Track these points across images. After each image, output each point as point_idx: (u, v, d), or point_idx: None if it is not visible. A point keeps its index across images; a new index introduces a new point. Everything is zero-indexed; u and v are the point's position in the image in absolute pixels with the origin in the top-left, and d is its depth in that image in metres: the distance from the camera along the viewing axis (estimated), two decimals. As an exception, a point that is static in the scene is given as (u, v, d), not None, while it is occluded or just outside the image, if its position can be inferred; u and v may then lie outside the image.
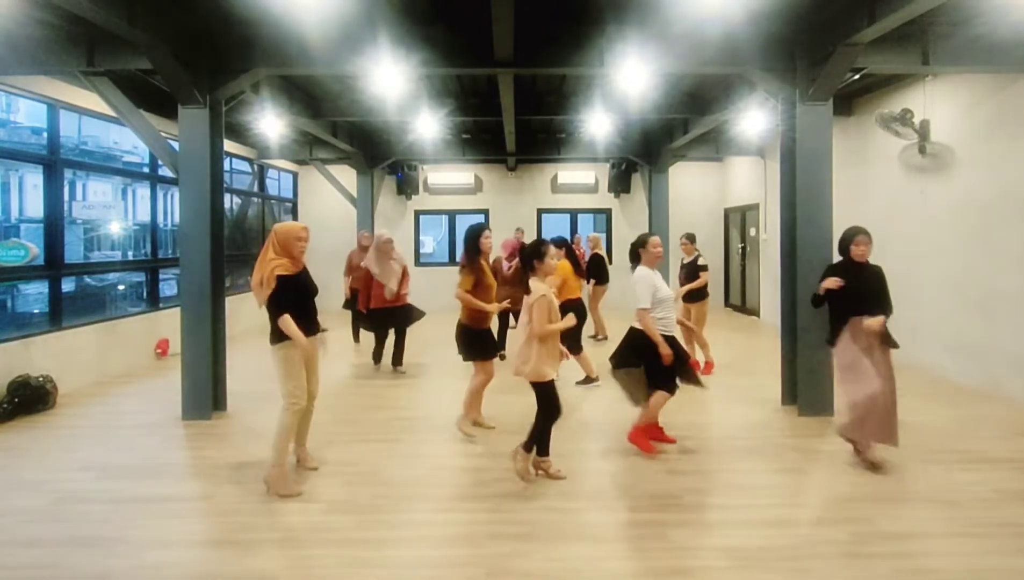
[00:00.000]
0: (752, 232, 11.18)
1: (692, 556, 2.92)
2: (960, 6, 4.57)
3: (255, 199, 11.24)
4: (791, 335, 5.17)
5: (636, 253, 4.25)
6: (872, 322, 3.78)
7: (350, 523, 3.28)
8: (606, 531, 3.19)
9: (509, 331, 7.48)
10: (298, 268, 3.70)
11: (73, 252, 10.08)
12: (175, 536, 3.17)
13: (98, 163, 11.23)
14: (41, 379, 5.44)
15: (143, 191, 10.11)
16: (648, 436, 4.21)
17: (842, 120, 7.81)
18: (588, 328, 7.42)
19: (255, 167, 11.03)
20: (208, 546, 3.09)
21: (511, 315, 7.17)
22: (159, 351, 7.59)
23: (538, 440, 3.66)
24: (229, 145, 9.27)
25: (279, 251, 3.62)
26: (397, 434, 4.72)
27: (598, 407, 5.42)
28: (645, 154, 10.80)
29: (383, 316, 6.48)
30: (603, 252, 8.79)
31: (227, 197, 9.14)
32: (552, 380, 3.57)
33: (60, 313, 6.20)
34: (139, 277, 9.06)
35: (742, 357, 7.51)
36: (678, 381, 4.16)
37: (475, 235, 4.54)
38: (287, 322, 3.50)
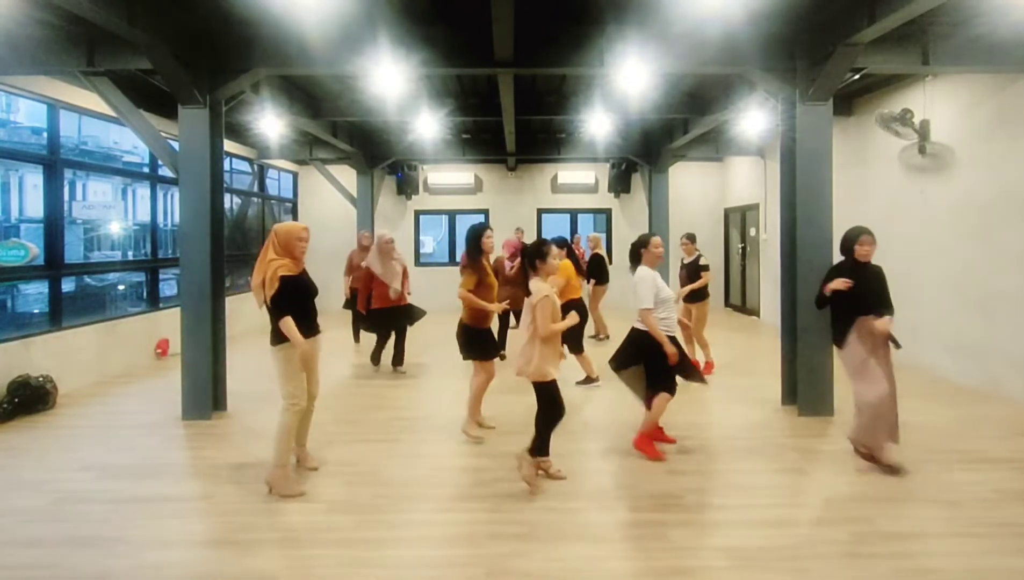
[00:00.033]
0: (752, 232, 11.18)
1: (692, 556, 2.92)
2: (960, 6, 4.57)
3: (255, 199, 11.24)
4: (791, 335, 5.17)
5: (637, 253, 4.23)
6: (882, 323, 3.78)
7: (350, 523, 3.28)
8: (606, 531, 3.19)
9: (509, 331, 7.48)
10: (299, 268, 3.70)
11: (73, 252, 10.09)
12: (175, 536, 3.17)
13: (98, 163, 11.23)
14: (41, 379, 5.44)
15: (143, 191, 10.11)
16: (653, 438, 4.21)
17: (842, 120, 7.81)
18: (588, 328, 7.43)
19: (255, 167, 11.03)
20: (208, 546, 3.09)
21: (512, 315, 7.17)
22: (159, 351, 7.59)
23: (540, 439, 3.64)
24: (229, 145, 9.27)
25: (280, 251, 3.61)
26: (397, 434, 4.72)
27: (598, 407, 5.42)
28: (645, 154, 10.80)
29: (384, 316, 6.48)
30: (603, 252, 8.79)
31: (227, 197, 9.15)
32: (554, 380, 3.56)
33: (60, 313, 6.20)
34: (139, 277, 9.06)
35: (742, 357, 7.51)
36: (683, 378, 4.17)
37: (477, 235, 4.53)
38: (288, 324, 3.49)
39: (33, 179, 10.66)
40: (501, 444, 4.40)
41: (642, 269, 4.15)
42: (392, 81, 5.61)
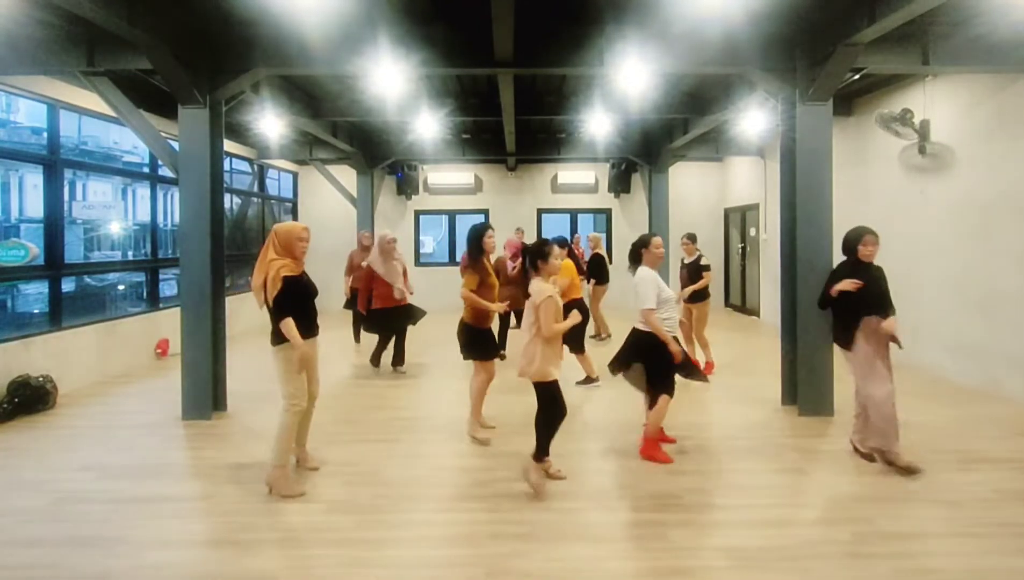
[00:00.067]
0: (752, 232, 11.18)
1: (692, 556, 2.92)
2: (960, 6, 4.57)
3: (255, 199, 11.24)
4: (791, 335, 5.17)
5: (638, 253, 4.22)
6: (890, 323, 3.78)
7: (350, 523, 3.28)
8: (606, 531, 3.19)
9: (510, 331, 7.48)
10: (300, 269, 3.69)
11: (73, 252, 10.09)
12: (175, 536, 3.17)
13: (98, 163, 11.23)
14: (41, 379, 5.44)
15: (143, 191, 10.11)
16: (658, 440, 4.20)
17: (842, 120, 7.81)
18: (589, 328, 7.42)
19: (255, 167, 11.03)
20: (208, 546, 3.09)
21: (513, 315, 7.17)
22: (159, 351, 7.59)
23: (542, 437, 3.61)
24: (229, 145, 9.27)
25: (280, 251, 3.61)
26: (397, 434, 4.72)
27: (598, 407, 5.42)
28: (645, 154, 10.80)
29: (384, 316, 6.47)
30: (603, 252, 8.78)
31: (227, 197, 9.15)
32: (555, 380, 3.55)
33: (60, 313, 6.20)
34: (139, 277, 9.06)
35: (742, 357, 7.51)
36: (685, 378, 4.16)
37: (479, 235, 4.52)
38: (288, 325, 3.49)
39: (33, 179, 10.66)
40: (501, 444, 4.41)
41: (643, 269, 4.14)
42: (392, 81, 5.61)
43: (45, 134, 6.41)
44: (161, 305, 8.02)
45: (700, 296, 6.48)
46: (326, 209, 12.31)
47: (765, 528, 3.18)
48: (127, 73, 5.19)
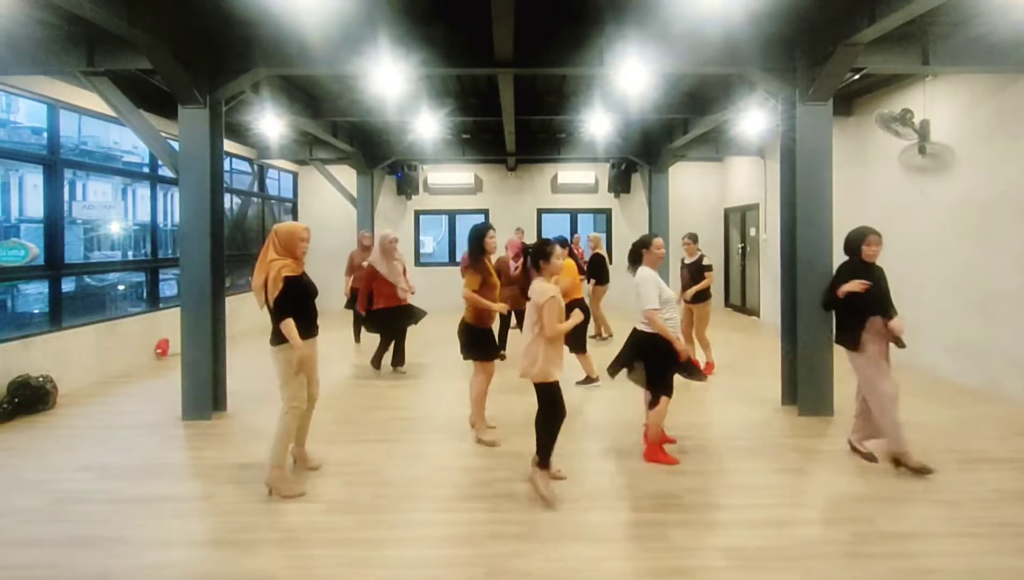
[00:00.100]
0: (752, 232, 11.18)
1: (692, 556, 2.92)
2: (960, 6, 4.57)
3: (255, 199, 11.24)
4: (791, 335, 5.17)
5: (639, 253, 4.21)
6: (899, 323, 3.78)
7: (350, 523, 3.28)
8: (606, 531, 3.19)
9: (510, 331, 7.48)
10: (301, 269, 3.69)
11: (73, 252, 10.10)
12: (175, 536, 3.17)
13: (98, 163, 11.23)
14: (41, 379, 5.44)
15: (143, 191, 10.12)
16: (660, 442, 4.20)
17: (842, 120, 7.81)
18: (589, 328, 7.41)
19: (255, 167, 11.03)
20: (208, 546, 3.09)
21: (514, 315, 7.16)
22: (159, 351, 7.59)
23: (546, 439, 3.59)
24: (229, 145, 9.27)
25: (280, 251, 3.60)
26: (397, 434, 4.72)
27: (598, 407, 5.42)
28: (645, 154, 10.80)
29: (385, 316, 6.47)
30: (603, 252, 8.78)
31: (227, 197, 9.15)
32: (557, 381, 3.54)
33: (60, 313, 6.20)
34: (139, 277, 9.06)
35: (742, 357, 7.51)
36: (685, 377, 4.16)
37: (480, 235, 4.52)
38: (289, 326, 3.49)
39: (33, 179, 10.67)
40: (501, 444, 4.40)
41: (644, 270, 4.13)
42: (392, 81, 5.61)
43: (45, 134, 6.41)
44: (161, 305, 8.02)
45: (702, 296, 6.47)
46: (326, 209, 12.31)
47: (765, 528, 3.18)
48: (127, 73, 5.19)
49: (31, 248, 5.86)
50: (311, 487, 3.70)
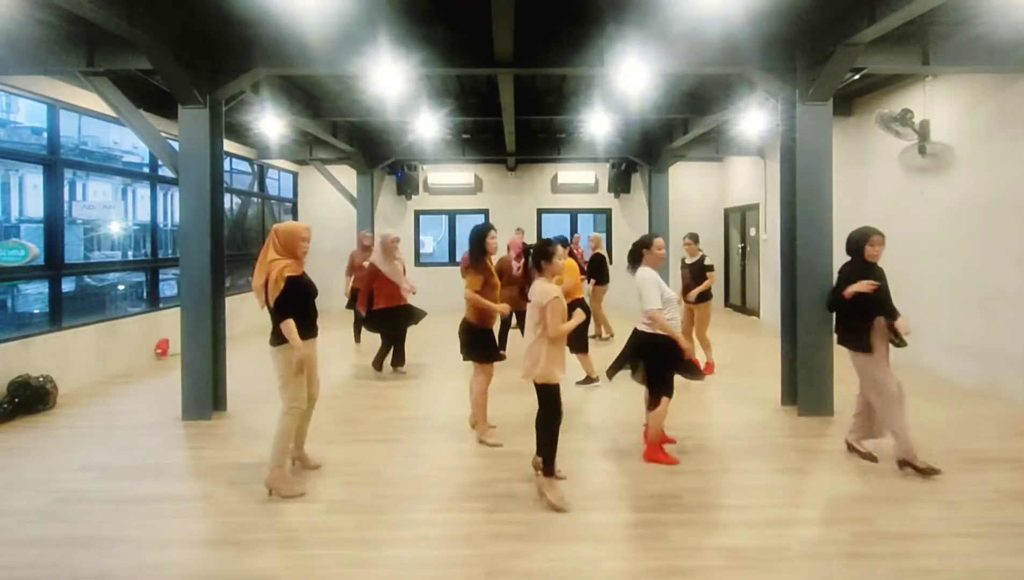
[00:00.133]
0: (752, 232, 11.18)
1: (692, 556, 2.92)
2: (960, 6, 4.57)
3: (255, 199, 11.25)
4: (791, 335, 5.17)
5: (639, 254, 4.19)
6: (904, 323, 3.77)
7: (350, 523, 3.28)
8: (606, 531, 3.19)
9: (510, 331, 7.47)
10: (302, 269, 3.68)
11: (73, 252, 10.10)
12: (175, 536, 3.17)
13: (98, 163, 11.23)
14: (41, 379, 5.44)
15: (143, 191, 10.12)
16: (660, 442, 4.19)
17: (842, 120, 7.81)
18: (589, 328, 7.42)
19: (255, 167, 11.03)
20: (208, 546, 3.09)
21: (515, 315, 7.16)
22: (159, 351, 7.59)
23: (548, 446, 3.56)
24: (229, 145, 9.27)
25: (281, 251, 3.59)
26: (397, 434, 4.72)
27: (598, 407, 5.42)
28: (645, 154, 10.80)
29: (385, 317, 6.46)
30: (604, 252, 8.78)
31: (227, 197, 9.15)
32: (558, 383, 3.52)
33: (60, 313, 6.20)
34: (139, 277, 9.07)
35: (742, 357, 7.51)
36: (684, 377, 4.16)
37: (481, 235, 4.51)
38: (289, 326, 3.48)
39: (33, 179, 10.67)
40: (503, 444, 4.40)
41: (644, 270, 4.12)
42: (392, 81, 5.61)
43: (45, 134, 6.42)
44: (161, 305, 8.02)
45: (703, 297, 6.46)
46: (326, 209, 12.31)
47: (765, 528, 3.18)
48: (127, 73, 5.19)
49: (31, 248, 5.86)
50: (311, 487, 3.70)
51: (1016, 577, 2.76)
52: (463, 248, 10.59)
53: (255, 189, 11.19)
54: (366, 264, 6.51)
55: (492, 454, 4.25)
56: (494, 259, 4.85)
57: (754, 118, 7.51)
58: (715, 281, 6.45)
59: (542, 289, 3.49)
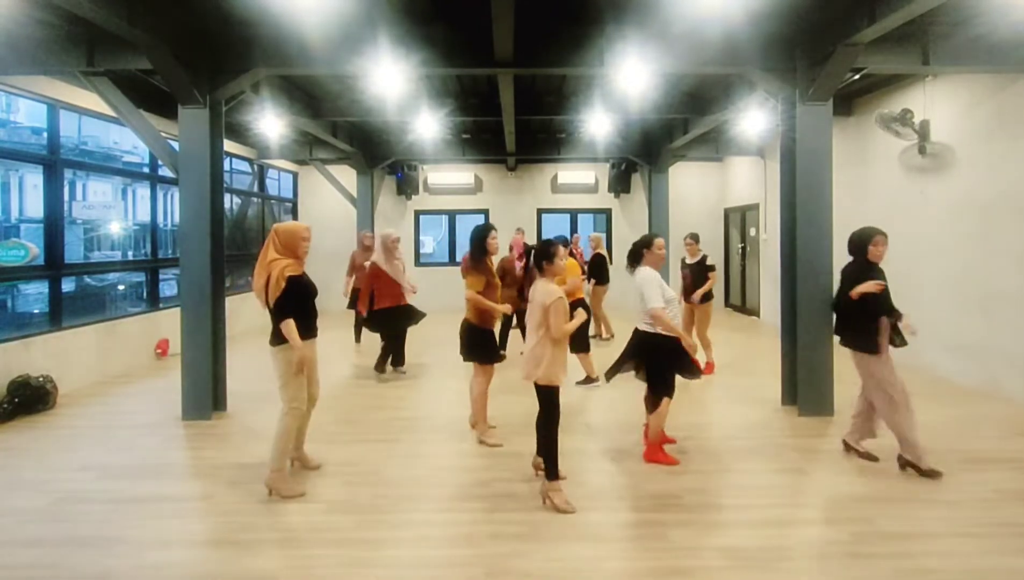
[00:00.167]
0: (752, 232, 11.18)
1: (692, 556, 2.92)
2: (960, 6, 4.57)
3: (255, 199, 11.25)
4: (791, 335, 5.17)
5: (639, 254, 4.19)
6: (908, 322, 3.77)
7: (350, 523, 3.28)
8: (606, 531, 3.19)
9: (510, 331, 7.47)
10: (302, 269, 3.68)
11: (73, 252, 10.09)
12: (175, 536, 3.17)
13: (98, 163, 11.23)
14: (41, 379, 5.44)
15: (143, 191, 10.12)
16: (661, 442, 4.19)
17: (842, 120, 7.81)
18: (589, 328, 7.41)
19: (255, 167, 11.03)
20: (208, 546, 3.09)
21: (515, 316, 7.15)
22: (159, 351, 7.59)
23: (549, 449, 3.54)
24: (229, 145, 9.27)
25: (281, 251, 3.59)
26: (397, 434, 4.72)
27: (598, 407, 5.42)
28: (645, 154, 10.80)
29: (386, 317, 6.46)
30: (604, 252, 8.78)
31: (227, 197, 9.15)
32: (559, 385, 3.50)
33: (60, 313, 6.20)
34: (139, 277, 9.07)
35: (742, 357, 7.51)
36: (683, 377, 4.16)
37: (482, 236, 4.50)
38: (289, 326, 3.48)
39: (33, 179, 10.67)
40: (503, 444, 4.40)
41: (645, 270, 4.11)
42: (392, 81, 5.61)
43: (45, 134, 6.42)
44: (161, 305, 8.02)
45: (704, 297, 6.46)
46: (326, 209, 12.32)
47: (765, 528, 3.18)
48: (127, 73, 5.19)
49: (31, 248, 5.86)
50: (311, 487, 3.70)
51: (1016, 577, 2.76)
52: (463, 248, 10.57)
53: (255, 189, 11.19)
54: (367, 264, 6.51)
55: (492, 454, 4.25)
56: (495, 259, 4.85)
57: (754, 118, 7.51)
58: (715, 281, 6.45)
59: (545, 289, 3.47)
